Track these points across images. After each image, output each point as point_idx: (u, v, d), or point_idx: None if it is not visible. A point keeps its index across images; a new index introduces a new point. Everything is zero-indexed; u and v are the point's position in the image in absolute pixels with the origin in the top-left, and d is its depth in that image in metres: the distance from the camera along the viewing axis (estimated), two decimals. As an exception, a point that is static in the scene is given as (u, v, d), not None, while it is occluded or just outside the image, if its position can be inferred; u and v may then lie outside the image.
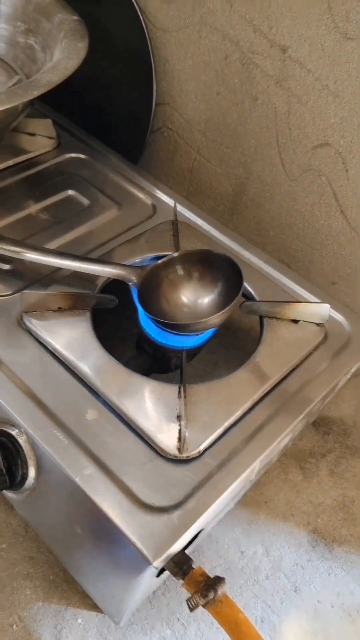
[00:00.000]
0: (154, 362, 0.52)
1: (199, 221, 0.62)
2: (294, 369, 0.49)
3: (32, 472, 0.43)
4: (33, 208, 0.60)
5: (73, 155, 0.68)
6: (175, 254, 0.51)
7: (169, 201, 0.63)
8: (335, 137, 0.57)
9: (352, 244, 0.62)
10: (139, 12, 0.65)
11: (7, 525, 0.50)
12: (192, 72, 0.65)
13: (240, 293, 0.45)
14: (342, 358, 0.51)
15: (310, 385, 0.48)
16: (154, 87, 0.68)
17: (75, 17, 0.63)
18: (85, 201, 0.62)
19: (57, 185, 0.63)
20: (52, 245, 0.57)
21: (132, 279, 0.49)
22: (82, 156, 0.68)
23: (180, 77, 0.67)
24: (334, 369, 0.50)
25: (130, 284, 0.49)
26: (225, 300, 0.48)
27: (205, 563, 0.51)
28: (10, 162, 0.65)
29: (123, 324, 0.56)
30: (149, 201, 0.63)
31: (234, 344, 0.61)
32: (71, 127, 0.71)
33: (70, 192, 0.63)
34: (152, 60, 0.67)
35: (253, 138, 0.64)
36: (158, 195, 0.64)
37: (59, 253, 0.51)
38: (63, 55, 0.57)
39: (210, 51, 0.62)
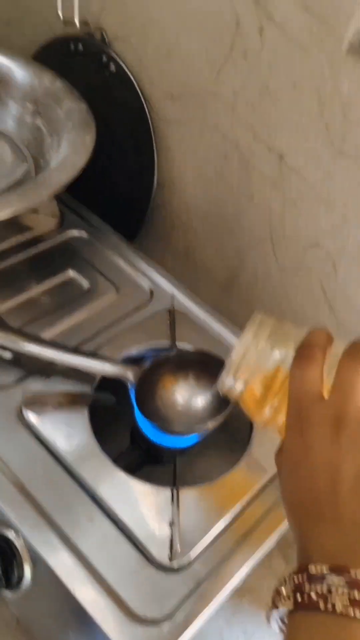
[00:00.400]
0: (147, 456, 0.53)
1: (195, 309, 0.64)
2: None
3: (28, 575, 0.45)
4: (35, 291, 0.62)
5: (75, 234, 0.70)
6: (172, 353, 0.53)
7: (167, 286, 0.65)
8: (327, 241, 0.60)
9: (338, 336, 0.65)
10: (143, 102, 0.68)
11: (-2, 614, 0.51)
12: (192, 163, 0.68)
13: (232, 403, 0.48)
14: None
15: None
16: (156, 171, 0.71)
17: (84, 105, 0.66)
18: (85, 283, 0.64)
19: (59, 265, 0.65)
20: (53, 332, 0.59)
21: (130, 378, 0.51)
22: (83, 235, 0.70)
23: (181, 166, 0.70)
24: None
25: (128, 384, 0.51)
26: (220, 402, 0.50)
27: (189, 654, 0.53)
28: (14, 241, 0.67)
29: (119, 409, 0.57)
30: (146, 286, 0.65)
31: (224, 428, 0.63)
32: (72, 204, 0.74)
33: (71, 273, 0.65)
34: (154, 146, 0.70)
35: (248, 231, 0.67)
36: (156, 280, 0.66)
37: (61, 347, 0.52)
38: (71, 149, 0.59)
39: (210, 148, 0.65)
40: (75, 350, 0.53)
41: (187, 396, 0.52)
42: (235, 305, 0.74)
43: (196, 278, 0.77)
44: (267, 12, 0.52)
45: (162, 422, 0.49)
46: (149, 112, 0.68)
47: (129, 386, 0.51)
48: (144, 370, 0.52)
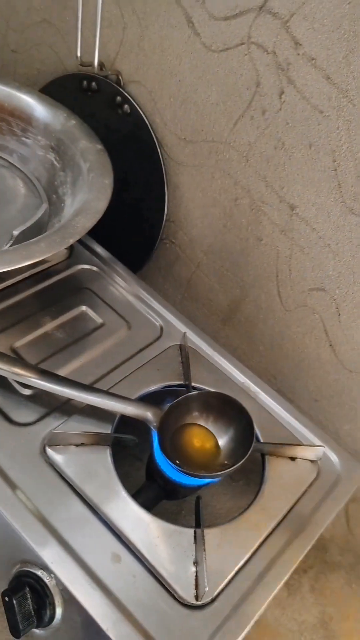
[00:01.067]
0: (164, 493, 0.56)
1: (204, 346, 0.67)
2: (292, 507, 0.55)
3: (59, 614, 0.46)
4: (49, 326, 0.64)
5: (86, 266, 0.72)
6: (191, 394, 0.56)
7: (176, 323, 0.68)
8: (332, 286, 0.63)
9: (338, 372, 0.69)
10: (156, 142, 0.70)
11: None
12: (201, 202, 0.71)
13: (252, 449, 0.51)
14: (335, 494, 0.57)
15: (313, 518, 0.54)
16: (166, 208, 0.74)
17: (99, 146, 0.67)
18: (98, 319, 0.66)
19: (71, 300, 0.67)
20: (70, 368, 0.60)
21: (152, 420, 0.54)
22: (93, 268, 0.72)
23: (189, 204, 0.72)
24: (326, 510, 0.56)
25: (151, 426, 0.53)
26: (236, 446, 0.53)
27: None
28: (27, 274, 0.68)
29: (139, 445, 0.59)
30: (157, 322, 0.68)
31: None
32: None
33: (84, 308, 0.67)
34: (165, 184, 0.72)
35: (253, 269, 0.70)
36: (166, 317, 0.68)
37: (82, 386, 0.55)
38: (91, 194, 0.61)
39: (221, 190, 0.68)
40: (97, 391, 0.55)
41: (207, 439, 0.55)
42: (234, 337, 0.77)
43: (196, 307, 0.80)
44: (288, 77, 0.55)
45: (183, 464, 0.52)
46: (161, 152, 0.71)
47: (150, 427, 0.54)
48: (165, 411, 0.54)
